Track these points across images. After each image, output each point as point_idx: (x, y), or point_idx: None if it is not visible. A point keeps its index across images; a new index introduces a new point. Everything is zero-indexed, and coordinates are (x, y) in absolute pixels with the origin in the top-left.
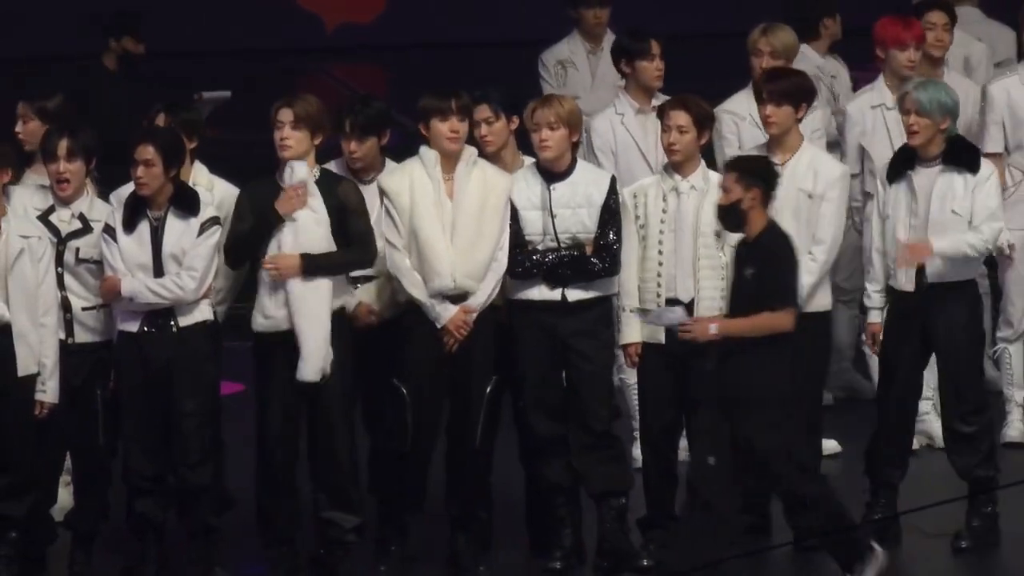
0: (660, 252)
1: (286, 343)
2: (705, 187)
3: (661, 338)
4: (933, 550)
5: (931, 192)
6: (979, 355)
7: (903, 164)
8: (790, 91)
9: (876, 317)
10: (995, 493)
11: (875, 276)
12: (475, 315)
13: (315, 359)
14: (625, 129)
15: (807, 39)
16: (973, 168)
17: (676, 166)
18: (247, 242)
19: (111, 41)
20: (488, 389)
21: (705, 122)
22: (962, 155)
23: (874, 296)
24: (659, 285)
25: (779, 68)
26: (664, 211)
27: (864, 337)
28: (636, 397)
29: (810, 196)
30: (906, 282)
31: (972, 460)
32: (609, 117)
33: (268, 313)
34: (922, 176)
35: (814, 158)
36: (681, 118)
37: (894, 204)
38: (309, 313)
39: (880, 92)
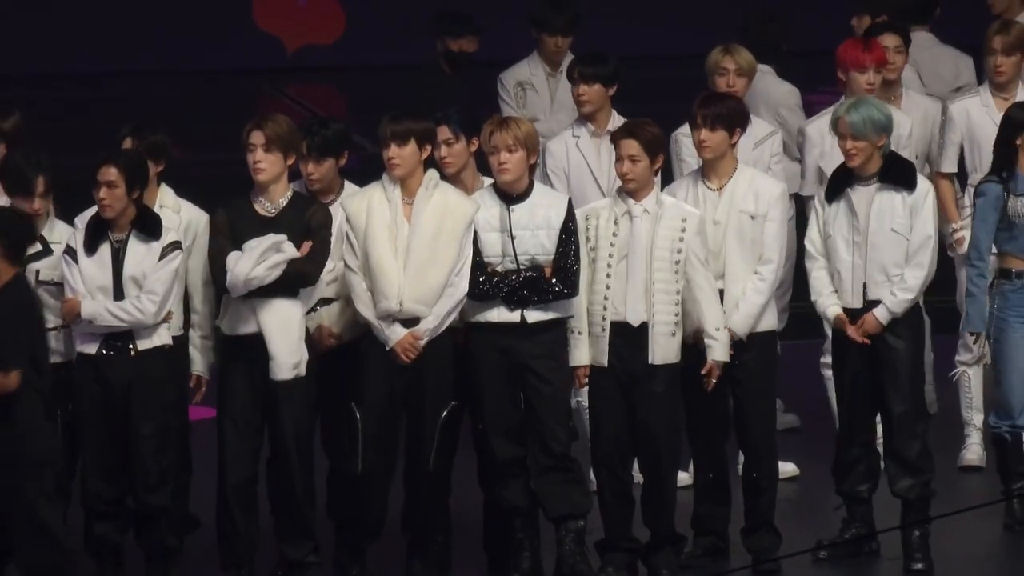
0: (608, 276)
1: (252, 349)
2: (659, 211)
3: (604, 361)
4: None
5: (869, 210)
6: (920, 376)
7: (841, 183)
8: (724, 116)
9: (837, 308)
10: (927, 514)
11: (820, 288)
12: (424, 340)
13: (285, 357)
14: (579, 151)
15: (765, 60)
16: (910, 185)
17: (630, 192)
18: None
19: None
20: (444, 413)
21: (656, 147)
22: (898, 172)
23: (825, 298)
24: (605, 308)
25: (713, 93)
26: (615, 235)
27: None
28: None
29: (752, 217)
30: (853, 299)
31: (911, 481)
32: (564, 139)
33: (236, 315)
34: (860, 194)
35: (752, 179)
36: (632, 147)
37: (835, 223)
38: (276, 313)
39: None
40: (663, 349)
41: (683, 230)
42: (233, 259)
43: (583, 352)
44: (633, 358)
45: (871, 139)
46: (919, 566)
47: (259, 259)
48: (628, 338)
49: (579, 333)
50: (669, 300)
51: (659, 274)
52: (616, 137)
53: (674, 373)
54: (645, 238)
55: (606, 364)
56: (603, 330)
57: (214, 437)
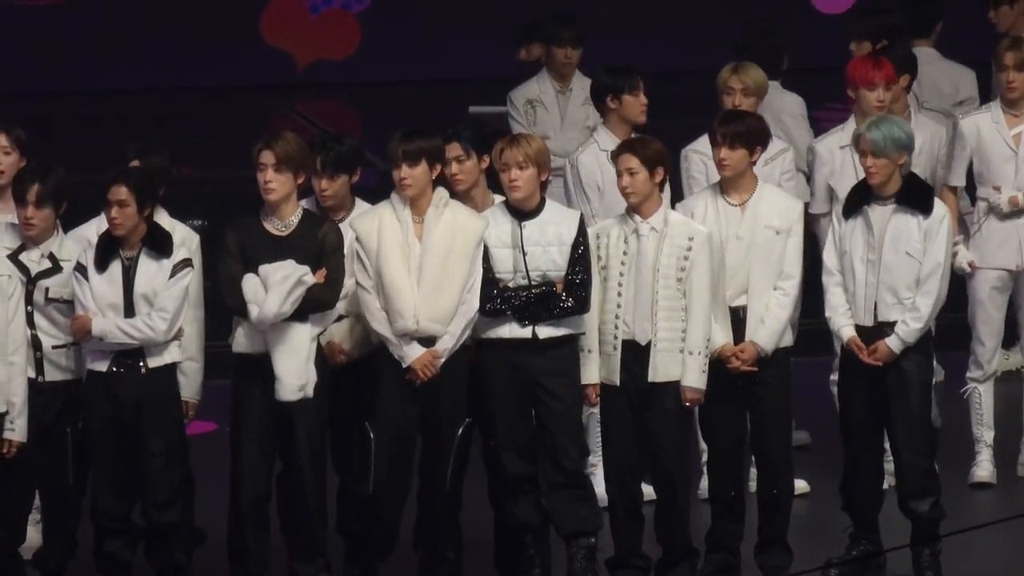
0: (619, 294)
1: (264, 369)
2: (665, 229)
3: (616, 379)
4: None
5: (885, 231)
6: (928, 396)
7: (859, 200)
8: (744, 134)
9: (851, 330)
10: (937, 532)
11: (836, 305)
12: (443, 359)
13: (290, 379)
14: (611, 165)
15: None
16: (926, 209)
17: (635, 208)
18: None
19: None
20: (459, 431)
21: (656, 161)
22: (915, 195)
23: (840, 317)
24: (616, 327)
25: (733, 111)
26: (625, 252)
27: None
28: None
29: (777, 232)
30: (864, 317)
31: (920, 500)
32: (595, 153)
33: (247, 334)
34: (877, 213)
35: (774, 196)
36: (630, 161)
37: (851, 240)
38: (283, 335)
39: (849, 132)
40: (666, 367)
41: (689, 248)
42: (252, 290)
43: (593, 370)
44: (642, 376)
45: (891, 157)
46: None
47: (287, 296)
48: (637, 356)
49: (589, 351)
50: (675, 317)
51: (664, 291)
52: (615, 154)
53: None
54: (651, 256)
55: (618, 383)
56: (615, 348)
57: (212, 451)
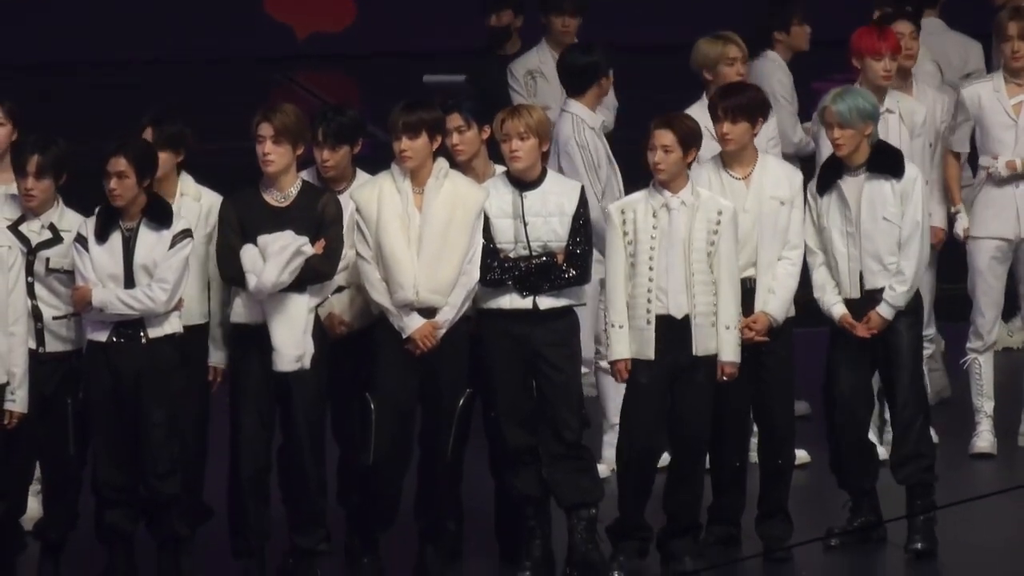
0: (651, 268)
1: (262, 339)
2: (696, 203)
3: (650, 354)
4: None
5: (860, 200)
6: (919, 359)
7: (832, 174)
8: (745, 106)
9: (842, 307)
10: (932, 501)
11: (823, 283)
12: (443, 330)
13: (288, 349)
14: (600, 142)
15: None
16: (898, 173)
17: (663, 183)
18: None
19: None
20: (460, 402)
21: (691, 140)
22: (886, 160)
23: (829, 296)
24: (649, 301)
25: (733, 84)
26: (655, 227)
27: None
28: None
29: (782, 203)
30: (851, 290)
31: (912, 466)
32: (588, 132)
33: (245, 304)
34: (850, 185)
35: (775, 167)
36: (666, 137)
37: (828, 215)
38: (281, 306)
39: None
40: (705, 340)
41: (718, 223)
42: (251, 260)
43: (624, 346)
44: (678, 350)
45: (857, 127)
46: (918, 546)
47: (286, 266)
48: (673, 330)
49: (620, 327)
50: (708, 292)
51: (697, 265)
52: (652, 126)
53: (714, 364)
54: (683, 230)
55: (653, 357)
56: (648, 323)
57: (211, 424)
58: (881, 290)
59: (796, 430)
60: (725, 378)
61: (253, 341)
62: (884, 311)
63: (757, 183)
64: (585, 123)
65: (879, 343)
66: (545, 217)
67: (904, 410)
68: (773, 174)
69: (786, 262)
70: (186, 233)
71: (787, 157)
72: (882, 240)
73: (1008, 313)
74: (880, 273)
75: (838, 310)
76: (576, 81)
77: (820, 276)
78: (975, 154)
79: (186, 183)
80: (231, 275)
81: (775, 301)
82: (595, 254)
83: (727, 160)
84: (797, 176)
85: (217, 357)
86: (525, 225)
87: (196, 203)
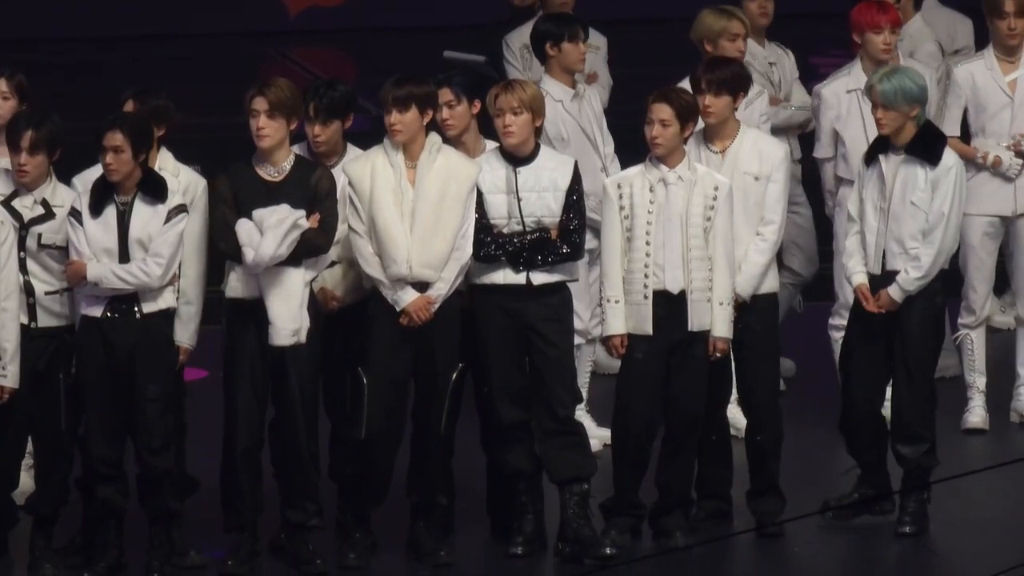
0: (648, 243)
1: (257, 314)
2: (693, 178)
3: (648, 329)
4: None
5: (895, 180)
6: (929, 346)
7: (879, 148)
8: (729, 80)
9: (862, 277)
10: (927, 481)
11: (852, 251)
12: (437, 305)
13: (284, 323)
14: (569, 115)
15: None
16: (934, 159)
17: (660, 158)
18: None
19: None
20: (453, 377)
21: (688, 114)
22: (925, 145)
23: (855, 263)
24: (646, 276)
25: (717, 58)
26: (651, 202)
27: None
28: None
29: (756, 178)
30: (874, 265)
31: (911, 448)
32: (551, 105)
33: (240, 279)
34: (891, 163)
35: (756, 141)
36: (664, 111)
37: (868, 189)
38: (277, 280)
39: (856, 76)
40: (700, 316)
41: (715, 198)
42: (247, 233)
43: (619, 321)
44: (674, 326)
45: (902, 109)
46: (907, 529)
47: (283, 239)
48: (669, 306)
49: (615, 302)
50: (703, 267)
51: (694, 240)
52: (650, 100)
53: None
54: (680, 205)
55: (650, 332)
56: (645, 298)
57: (205, 398)
58: (898, 272)
59: (780, 406)
60: (718, 354)
61: (248, 316)
62: (894, 292)
63: (732, 157)
64: (550, 95)
65: (893, 321)
66: (539, 192)
67: (909, 390)
68: (749, 148)
69: (759, 238)
70: (181, 208)
71: (775, 131)
72: (907, 223)
73: (999, 290)
74: (900, 256)
75: (857, 279)
76: (536, 51)
77: (851, 244)
78: (965, 134)
79: (165, 159)
80: (227, 249)
81: (741, 277)
82: None
83: (708, 134)
84: (777, 152)
85: (183, 335)
86: (519, 200)
87: (175, 179)
